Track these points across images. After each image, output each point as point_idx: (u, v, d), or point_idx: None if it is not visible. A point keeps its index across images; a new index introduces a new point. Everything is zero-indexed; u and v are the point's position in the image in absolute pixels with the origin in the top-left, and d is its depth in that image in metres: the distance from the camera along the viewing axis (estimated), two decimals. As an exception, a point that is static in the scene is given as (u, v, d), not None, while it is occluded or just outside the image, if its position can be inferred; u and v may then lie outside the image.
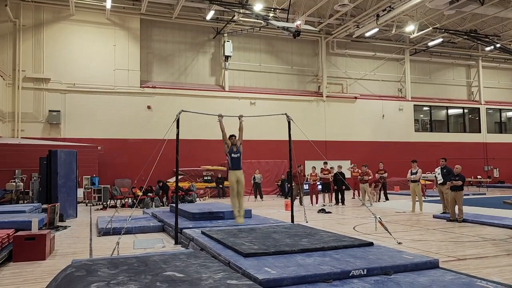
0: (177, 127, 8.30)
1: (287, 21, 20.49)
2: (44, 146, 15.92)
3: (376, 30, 23.37)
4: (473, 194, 19.72)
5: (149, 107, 21.31)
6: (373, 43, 26.27)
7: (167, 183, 16.78)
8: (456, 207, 10.54)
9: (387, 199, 17.07)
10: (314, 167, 16.63)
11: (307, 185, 17.64)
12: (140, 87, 21.28)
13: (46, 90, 19.82)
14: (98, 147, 19.29)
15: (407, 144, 26.28)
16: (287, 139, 9.71)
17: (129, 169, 19.43)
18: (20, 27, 19.55)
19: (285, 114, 9.58)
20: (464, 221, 10.33)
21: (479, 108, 29.54)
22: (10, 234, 6.94)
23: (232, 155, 8.78)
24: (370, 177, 15.80)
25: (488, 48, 27.41)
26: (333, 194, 16.02)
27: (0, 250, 6.30)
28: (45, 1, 19.96)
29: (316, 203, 15.91)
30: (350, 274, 4.51)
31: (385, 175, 17.03)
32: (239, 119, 9.15)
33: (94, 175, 17.92)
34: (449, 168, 11.37)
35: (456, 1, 19.59)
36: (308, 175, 16.66)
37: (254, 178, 19.10)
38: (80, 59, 20.36)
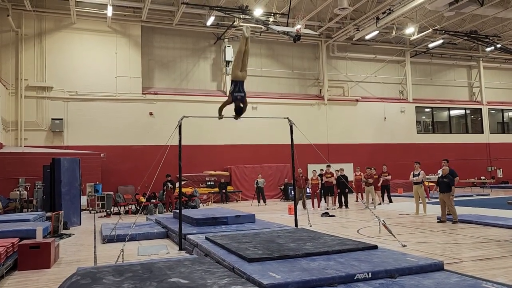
0: (179, 133, 8.34)
1: (287, 26, 20.53)
2: (47, 154, 15.98)
3: (376, 32, 23.41)
4: (477, 195, 19.67)
5: (151, 114, 21.37)
6: (373, 45, 26.30)
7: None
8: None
9: (390, 201, 17.04)
10: (314, 171, 16.65)
11: (308, 188, 17.60)
12: (142, 93, 21.36)
13: (48, 98, 19.90)
14: (101, 154, 19.32)
15: (409, 146, 26.22)
16: (289, 143, 9.74)
17: (132, 176, 19.44)
18: (22, 37, 19.67)
19: (287, 118, 9.60)
20: (466, 222, 10.29)
21: (481, 109, 29.48)
22: (15, 243, 6.96)
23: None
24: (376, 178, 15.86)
25: (488, 49, 27.38)
26: (337, 197, 16.01)
27: (5, 259, 6.31)
28: (47, 10, 20.09)
29: (318, 206, 15.89)
30: (355, 278, 4.52)
31: (389, 177, 17.04)
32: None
33: (98, 182, 17.94)
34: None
35: (455, 2, 19.62)
36: (309, 179, 16.65)
37: (257, 182, 19.07)
38: (82, 67, 20.45)
